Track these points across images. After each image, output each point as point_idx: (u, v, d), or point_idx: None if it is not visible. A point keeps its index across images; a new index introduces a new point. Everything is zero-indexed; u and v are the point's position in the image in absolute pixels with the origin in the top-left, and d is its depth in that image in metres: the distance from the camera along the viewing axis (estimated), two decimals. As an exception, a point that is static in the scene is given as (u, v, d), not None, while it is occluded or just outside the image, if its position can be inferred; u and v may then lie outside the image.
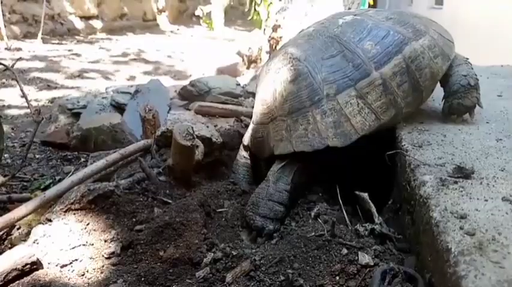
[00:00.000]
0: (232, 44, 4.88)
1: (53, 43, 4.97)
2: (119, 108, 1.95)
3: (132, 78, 3.52)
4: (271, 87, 1.33)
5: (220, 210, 1.28)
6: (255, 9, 6.40)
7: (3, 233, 1.16)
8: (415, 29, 1.34)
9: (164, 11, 8.01)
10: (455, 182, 0.93)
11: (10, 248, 1.09)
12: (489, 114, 1.43)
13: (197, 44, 5.02)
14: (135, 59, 4.15)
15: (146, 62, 4.14)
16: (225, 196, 1.36)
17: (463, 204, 0.84)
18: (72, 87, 2.98)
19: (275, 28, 3.04)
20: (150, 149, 1.50)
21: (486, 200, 0.86)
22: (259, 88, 1.43)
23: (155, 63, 4.11)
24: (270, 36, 3.04)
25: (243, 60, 3.23)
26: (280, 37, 3.01)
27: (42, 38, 4.90)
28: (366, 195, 1.14)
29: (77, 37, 5.78)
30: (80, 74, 3.34)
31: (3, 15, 4.67)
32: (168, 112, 1.85)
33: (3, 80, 2.94)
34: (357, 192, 1.16)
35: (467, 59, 1.44)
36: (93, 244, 1.10)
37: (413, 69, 1.27)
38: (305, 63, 1.30)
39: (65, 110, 2.01)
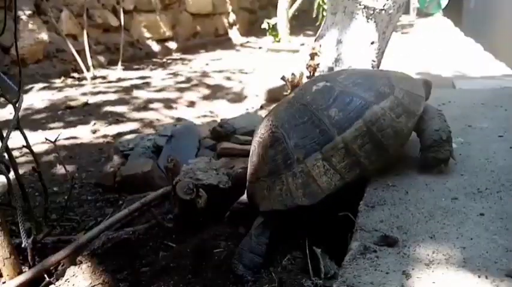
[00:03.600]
0: (295, 56, 5.08)
1: (133, 69, 5.58)
2: (159, 151, 2.29)
3: (192, 104, 3.90)
4: (257, 150, 1.56)
5: (216, 250, 1.55)
6: (322, 15, 6.51)
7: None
8: (378, 93, 1.48)
9: (235, 25, 8.42)
10: (375, 251, 1.07)
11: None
12: (472, 163, 1.52)
13: (262, 57, 5.30)
14: (196, 85, 4.54)
15: (207, 86, 4.51)
16: (222, 237, 1.61)
17: (364, 276, 0.99)
18: (136, 120, 3.42)
19: (312, 56, 3.18)
20: (170, 196, 1.80)
21: (387, 273, 0.99)
22: (251, 150, 1.66)
23: (214, 87, 4.47)
24: (307, 64, 3.20)
25: (287, 84, 3.44)
26: (318, 64, 3.15)
27: (122, 65, 5.53)
28: (318, 251, 1.32)
29: (154, 59, 6.38)
30: (146, 105, 3.79)
31: (89, 47, 5.39)
32: (195, 155, 2.16)
33: (81, 116, 3.48)
34: (314, 247, 1.35)
35: (440, 111, 1.54)
36: (108, 282, 1.42)
37: (375, 131, 1.41)
38: (281, 129, 1.51)
39: (118, 151, 2.40)
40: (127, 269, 1.46)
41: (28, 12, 5.04)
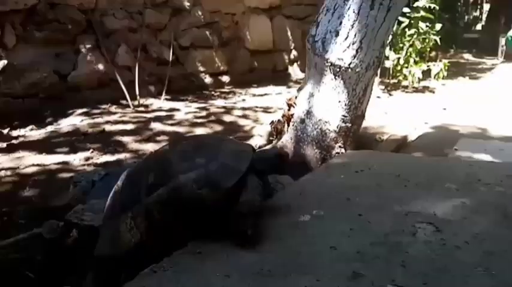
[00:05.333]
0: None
1: (177, 99, 6.02)
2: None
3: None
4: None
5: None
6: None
7: None
8: (193, 163, 1.58)
9: (297, 61, 8.58)
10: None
11: None
12: (283, 243, 1.47)
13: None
14: (213, 121, 4.78)
15: (222, 123, 4.72)
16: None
17: None
18: (132, 151, 3.74)
19: (289, 106, 3.23)
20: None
21: None
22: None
23: (228, 125, 4.67)
24: (282, 114, 3.25)
25: (272, 129, 3.52)
26: (292, 115, 3.20)
27: (169, 95, 6.00)
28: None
29: (204, 92, 6.79)
30: (151, 138, 4.11)
31: (143, 78, 5.95)
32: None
33: (87, 143, 3.88)
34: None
35: (259, 184, 1.55)
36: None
37: (175, 198, 1.48)
38: (120, 183, 1.66)
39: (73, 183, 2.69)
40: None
41: (89, 46, 5.75)
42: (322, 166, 2.42)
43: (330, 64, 2.85)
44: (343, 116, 2.99)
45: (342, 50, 2.78)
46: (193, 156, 1.61)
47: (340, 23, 2.75)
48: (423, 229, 1.48)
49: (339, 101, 2.95)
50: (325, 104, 2.99)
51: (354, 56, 2.78)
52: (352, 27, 2.72)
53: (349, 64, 2.81)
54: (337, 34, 2.76)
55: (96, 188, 2.42)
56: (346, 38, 2.74)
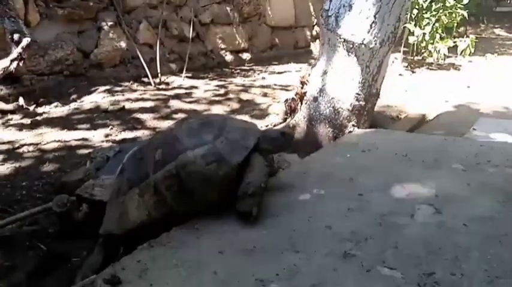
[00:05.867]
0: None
1: (197, 77, 6.04)
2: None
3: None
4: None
5: (75, 259, 1.79)
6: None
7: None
8: (199, 139, 1.57)
9: (319, 37, 8.42)
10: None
11: None
12: (290, 220, 1.49)
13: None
14: (230, 99, 4.78)
15: (239, 101, 4.73)
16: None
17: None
18: (149, 128, 3.80)
19: (302, 83, 3.20)
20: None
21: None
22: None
23: (246, 103, 4.67)
24: (296, 92, 3.22)
25: (286, 108, 3.50)
26: (305, 93, 3.17)
27: (189, 73, 6.03)
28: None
29: (224, 69, 6.78)
30: (169, 115, 4.16)
31: (164, 55, 5.99)
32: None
33: (107, 120, 3.96)
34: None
35: (265, 164, 1.55)
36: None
37: (183, 175, 1.51)
38: (126, 162, 1.70)
39: (90, 159, 2.77)
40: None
41: (110, 23, 5.79)
42: (330, 145, 2.40)
43: (343, 40, 2.80)
44: (357, 94, 2.94)
45: (355, 25, 2.72)
46: (200, 133, 1.61)
47: (354, -4, 2.68)
48: (422, 210, 1.47)
49: (352, 79, 2.90)
50: (338, 81, 2.95)
51: (368, 31, 2.72)
52: (367, 1, 2.64)
53: (363, 40, 2.75)
54: (350, 8, 2.69)
55: (108, 164, 2.48)
56: (360, 12, 2.67)
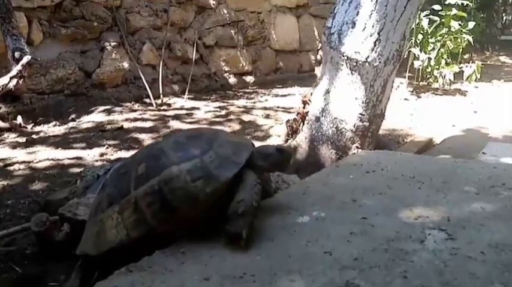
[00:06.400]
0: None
1: (200, 99, 5.97)
2: (101, 180, 2.46)
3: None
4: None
5: (52, 283, 1.64)
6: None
7: None
8: (186, 154, 1.44)
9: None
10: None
11: None
12: (287, 244, 1.35)
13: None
14: (231, 120, 4.68)
15: (241, 122, 4.62)
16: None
17: None
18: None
19: (304, 103, 3.09)
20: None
21: None
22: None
23: (248, 124, 4.56)
24: (297, 111, 3.11)
25: (287, 128, 3.38)
26: (307, 112, 3.05)
27: (192, 95, 5.97)
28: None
29: (228, 92, 6.72)
30: (167, 135, 4.05)
31: (167, 76, 5.96)
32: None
33: (104, 139, 3.86)
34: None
35: (258, 182, 1.42)
36: None
37: (166, 191, 1.37)
38: (109, 177, 1.57)
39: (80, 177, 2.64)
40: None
41: (113, 43, 5.77)
42: (331, 165, 2.26)
43: (346, 58, 2.70)
44: (360, 114, 2.82)
45: (359, 43, 2.63)
46: (188, 147, 1.49)
47: (358, 13, 2.59)
48: (433, 236, 1.32)
49: (356, 98, 2.79)
50: (341, 101, 2.83)
51: (372, 49, 2.62)
52: (370, 18, 2.56)
53: (367, 58, 2.65)
54: (353, 25, 2.61)
55: (98, 182, 2.35)
56: (364, 29, 2.58)
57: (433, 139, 3.76)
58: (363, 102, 2.79)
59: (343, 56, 2.71)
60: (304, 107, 3.09)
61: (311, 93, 3.07)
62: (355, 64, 2.69)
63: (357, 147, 2.84)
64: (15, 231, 1.88)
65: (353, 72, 2.72)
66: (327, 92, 2.90)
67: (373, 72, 2.70)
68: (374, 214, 1.49)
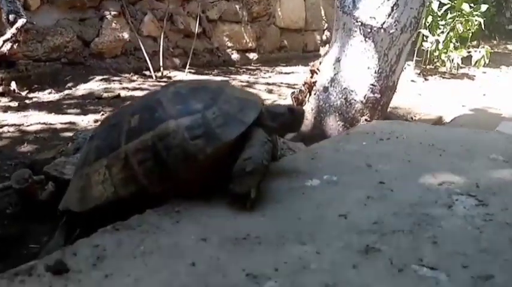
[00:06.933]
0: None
1: (201, 73, 5.78)
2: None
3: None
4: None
5: (33, 245, 1.49)
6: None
7: None
8: (187, 107, 1.28)
9: (329, 42, 8.17)
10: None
11: None
12: (295, 207, 1.19)
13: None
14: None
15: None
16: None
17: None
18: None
19: (312, 72, 2.92)
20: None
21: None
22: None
23: (250, 97, 4.38)
24: (304, 81, 2.94)
25: (292, 101, 3.21)
26: (314, 82, 2.88)
27: (192, 69, 5.78)
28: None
29: (230, 68, 6.52)
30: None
31: (168, 49, 5.75)
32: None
33: (100, 106, 3.69)
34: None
35: (268, 139, 1.27)
36: None
37: (160, 148, 1.21)
38: (98, 129, 1.41)
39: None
40: None
41: (114, 12, 5.54)
42: (341, 134, 2.10)
43: (360, 24, 2.51)
44: (372, 85, 2.65)
45: (374, 7, 2.44)
46: (189, 100, 1.32)
47: (374, -26, 2.41)
48: (462, 202, 1.17)
49: (368, 68, 2.61)
50: (352, 70, 2.66)
51: (389, 15, 2.44)
52: (388, -20, 2.37)
53: (382, 24, 2.47)
54: (370, -13, 2.42)
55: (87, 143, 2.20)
56: (381, -8, 2.40)
57: (442, 117, 3.59)
58: (375, 72, 2.61)
59: (357, 21, 2.52)
60: (311, 77, 2.92)
61: (320, 62, 2.90)
62: (369, 30, 2.50)
63: (366, 120, 2.68)
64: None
65: (367, 39, 2.54)
66: (337, 60, 2.72)
67: (388, 40, 2.52)
68: (392, 179, 1.33)
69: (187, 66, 5.68)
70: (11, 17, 4.21)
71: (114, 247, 0.98)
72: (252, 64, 6.86)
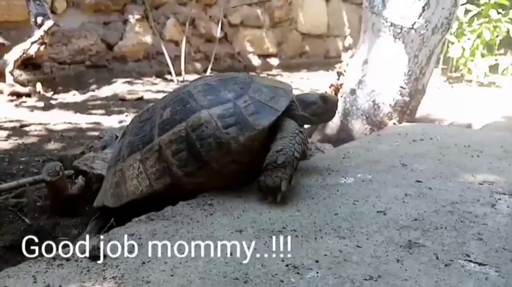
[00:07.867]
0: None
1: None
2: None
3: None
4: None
5: (62, 237, 1.48)
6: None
7: None
8: (217, 97, 1.26)
9: (351, 48, 8.12)
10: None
11: None
12: (332, 202, 1.16)
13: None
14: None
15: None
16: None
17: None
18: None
19: (339, 74, 2.88)
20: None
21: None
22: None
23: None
24: (331, 83, 2.90)
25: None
26: (341, 84, 2.84)
27: (213, 73, 5.79)
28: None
29: (251, 73, 6.52)
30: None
31: (189, 53, 5.80)
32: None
33: (124, 108, 3.72)
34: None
35: (300, 131, 1.23)
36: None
37: (194, 138, 1.20)
38: (129, 125, 1.41)
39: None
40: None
41: (137, 16, 5.63)
42: (372, 134, 2.06)
43: (389, 24, 2.47)
44: (401, 87, 2.59)
45: (405, 7, 2.40)
46: (220, 90, 1.30)
47: (406, -28, 2.37)
48: (505, 201, 1.12)
49: (398, 70, 2.56)
50: (381, 72, 2.61)
51: (420, 15, 2.39)
52: (420, -21, 2.33)
53: (413, 24, 2.42)
54: (400, -13, 2.38)
55: (116, 141, 2.20)
56: (412, -9, 2.36)
57: (472, 125, 3.49)
58: (404, 75, 2.56)
59: (386, 21, 2.48)
60: (338, 79, 2.88)
61: (347, 64, 2.86)
62: (399, 31, 2.46)
63: (393, 123, 2.63)
64: (27, 182, 1.74)
65: (396, 40, 2.49)
66: (365, 62, 2.68)
67: (418, 40, 2.47)
68: (430, 178, 1.29)
69: (209, 71, 5.70)
70: (39, 19, 4.30)
71: (149, 236, 0.97)
72: (273, 69, 6.86)
